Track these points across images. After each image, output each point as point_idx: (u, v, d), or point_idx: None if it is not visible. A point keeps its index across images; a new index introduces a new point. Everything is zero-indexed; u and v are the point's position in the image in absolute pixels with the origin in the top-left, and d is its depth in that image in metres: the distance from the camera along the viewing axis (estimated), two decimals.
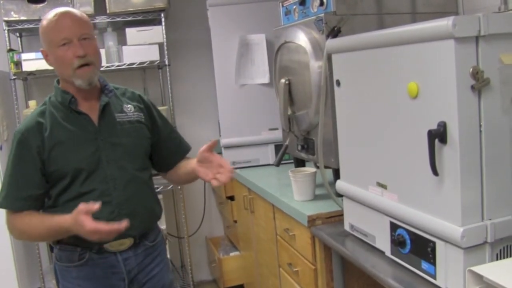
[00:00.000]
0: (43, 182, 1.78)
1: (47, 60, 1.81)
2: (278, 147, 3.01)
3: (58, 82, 1.86)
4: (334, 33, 1.95)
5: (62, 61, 1.74)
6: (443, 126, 1.27)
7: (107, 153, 1.81)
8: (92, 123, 1.81)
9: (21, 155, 1.77)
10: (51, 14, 1.76)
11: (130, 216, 1.76)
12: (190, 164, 1.95)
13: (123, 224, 1.61)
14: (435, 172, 1.31)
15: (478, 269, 1.22)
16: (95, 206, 1.59)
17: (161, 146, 2.01)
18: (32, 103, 3.26)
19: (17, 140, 1.77)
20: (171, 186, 3.49)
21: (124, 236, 1.79)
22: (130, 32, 3.40)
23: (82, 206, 1.60)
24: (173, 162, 2.06)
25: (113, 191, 1.80)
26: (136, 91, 2.00)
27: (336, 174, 2.00)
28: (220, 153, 3.39)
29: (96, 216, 1.74)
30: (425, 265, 1.41)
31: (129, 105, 1.91)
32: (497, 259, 1.30)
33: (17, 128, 1.81)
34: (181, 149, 2.08)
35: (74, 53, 1.72)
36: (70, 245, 1.82)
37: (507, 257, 1.31)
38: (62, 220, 1.68)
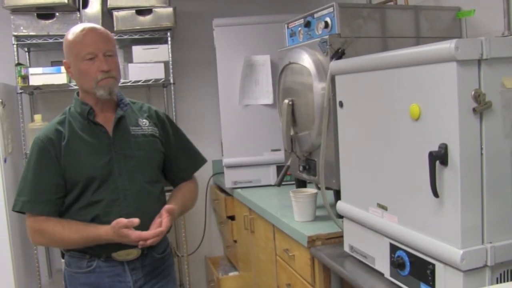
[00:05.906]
0: (62, 187, 1.83)
1: (68, 72, 1.88)
2: (279, 168, 3.02)
3: (77, 94, 1.92)
4: (338, 55, 1.96)
5: (85, 74, 1.81)
6: (444, 148, 1.27)
7: (119, 165, 1.85)
8: (107, 134, 1.87)
9: (41, 161, 1.82)
10: (78, 28, 1.83)
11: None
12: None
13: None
14: (435, 194, 1.31)
15: None
16: (135, 220, 1.72)
17: (173, 160, 2.04)
18: (38, 117, 3.28)
19: (38, 147, 1.83)
20: None
21: (131, 246, 1.83)
22: (137, 50, 3.43)
23: (123, 221, 1.71)
24: (186, 176, 2.10)
25: (122, 201, 1.84)
26: (153, 107, 2.06)
27: (337, 196, 2.00)
28: (221, 173, 3.39)
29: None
30: (424, 287, 1.40)
31: (144, 120, 1.97)
32: (497, 283, 1.29)
33: (37, 135, 1.87)
34: (195, 163, 2.12)
35: (98, 67, 1.79)
36: (79, 252, 1.85)
37: (507, 281, 1.31)
38: (102, 232, 1.76)
